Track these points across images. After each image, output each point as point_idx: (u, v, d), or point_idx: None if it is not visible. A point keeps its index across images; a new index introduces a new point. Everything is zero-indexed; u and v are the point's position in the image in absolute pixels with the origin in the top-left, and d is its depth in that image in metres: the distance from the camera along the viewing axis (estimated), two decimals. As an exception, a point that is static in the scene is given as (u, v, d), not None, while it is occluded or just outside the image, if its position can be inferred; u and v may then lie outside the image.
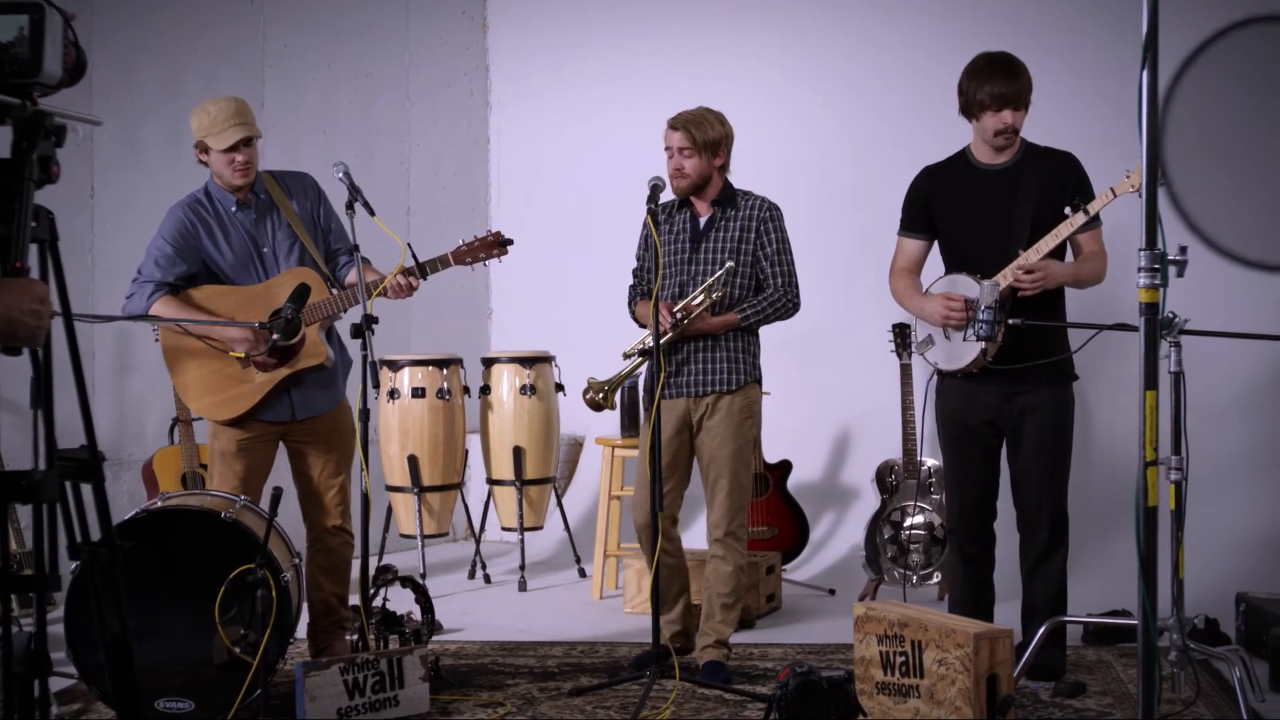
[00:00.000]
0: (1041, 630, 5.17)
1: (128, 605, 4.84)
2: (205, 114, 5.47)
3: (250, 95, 8.14)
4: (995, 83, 5.37)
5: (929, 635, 4.66)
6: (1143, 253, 3.23)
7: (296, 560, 5.42)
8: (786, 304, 5.75)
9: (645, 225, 5.82)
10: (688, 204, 5.79)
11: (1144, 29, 3.15)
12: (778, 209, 5.76)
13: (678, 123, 5.70)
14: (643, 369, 5.87)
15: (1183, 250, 3.58)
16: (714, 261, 5.67)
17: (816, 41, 8.61)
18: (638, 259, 5.96)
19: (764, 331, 7.52)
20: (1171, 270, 3.35)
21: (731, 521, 5.65)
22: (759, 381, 5.80)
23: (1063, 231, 5.25)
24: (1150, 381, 3.25)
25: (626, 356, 5.81)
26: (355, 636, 5.39)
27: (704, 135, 5.65)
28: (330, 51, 8.81)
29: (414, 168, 9.31)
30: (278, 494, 4.93)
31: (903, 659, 4.73)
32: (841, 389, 8.30)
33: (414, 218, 9.17)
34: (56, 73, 2.85)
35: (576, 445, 8.92)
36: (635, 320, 5.91)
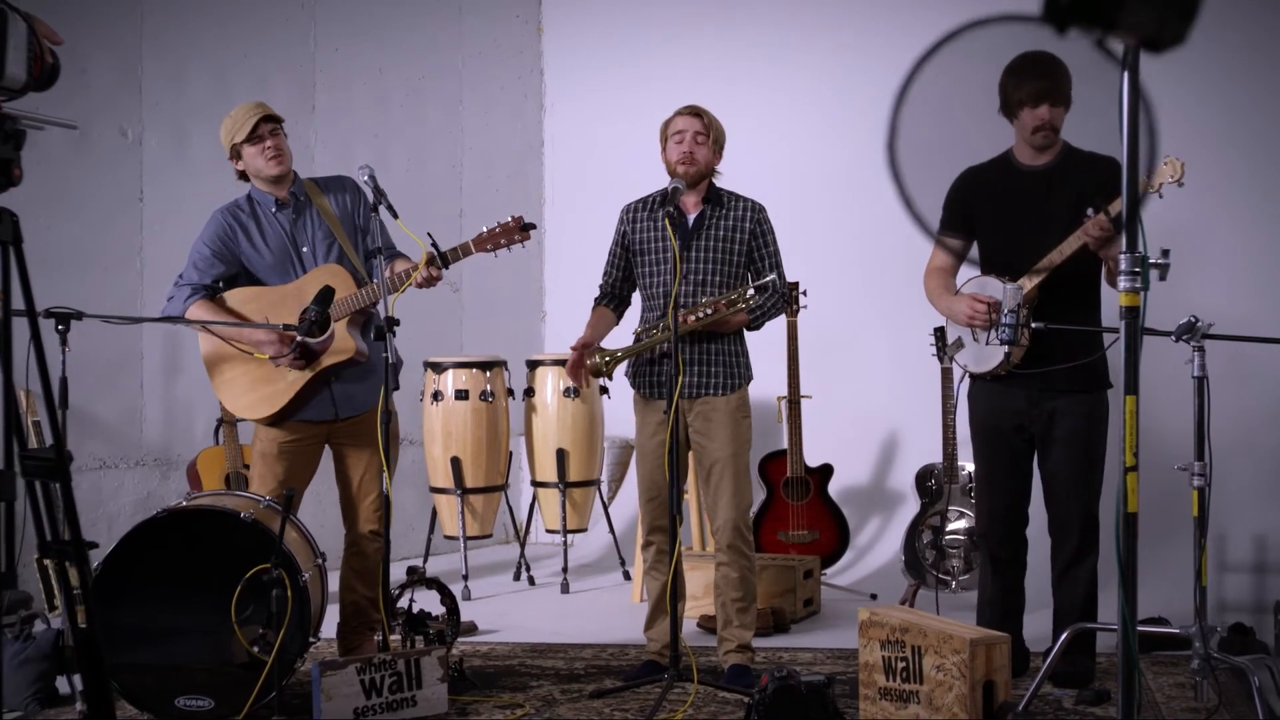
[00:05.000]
0: (1063, 637, 5.11)
1: (150, 604, 4.99)
2: (228, 119, 5.62)
3: (301, 99, 8.26)
4: (1033, 78, 5.28)
5: (928, 641, 4.62)
6: (1123, 256, 3.18)
7: (320, 561, 5.45)
8: (783, 303, 5.80)
9: (623, 226, 5.83)
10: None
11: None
12: (765, 209, 5.73)
13: (697, 109, 5.69)
14: (638, 358, 5.76)
15: (1165, 253, 3.53)
16: (705, 260, 5.61)
17: (864, 48, 8.54)
18: (610, 255, 5.93)
19: (807, 336, 7.54)
20: (1153, 274, 3.30)
21: (738, 524, 5.59)
22: (749, 382, 5.74)
23: (1081, 234, 5.16)
24: (1130, 386, 3.19)
25: (638, 337, 5.74)
26: (381, 637, 5.43)
27: (716, 129, 5.67)
28: (382, 55, 8.87)
29: (467, 171, 9.36)
30: (290, 495, 4.97)
31: (904, 664, 4.69)
32: (888, 393, 8.25)
33: (466, 221, 9.21)
34: (20, 76, 2.89)
35: (628, 448, 8.90)
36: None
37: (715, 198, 5.71)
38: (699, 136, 5.62)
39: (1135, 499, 3.22)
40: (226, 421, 7.21)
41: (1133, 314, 3.21)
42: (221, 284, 5.62)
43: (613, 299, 5.90)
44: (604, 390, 7.97)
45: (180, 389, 7.73)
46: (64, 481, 2.98)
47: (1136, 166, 3.18)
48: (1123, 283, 3.20)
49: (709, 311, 5.50)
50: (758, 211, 5.71)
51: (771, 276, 5.62)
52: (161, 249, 7.55)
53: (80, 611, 2.97)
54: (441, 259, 5.51)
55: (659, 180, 5.72)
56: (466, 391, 7.73)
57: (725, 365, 5.64)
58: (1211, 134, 7.32)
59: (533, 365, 8.05)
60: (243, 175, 5.71)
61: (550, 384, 7.93)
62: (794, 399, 7.49)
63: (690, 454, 5.86)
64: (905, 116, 1.85)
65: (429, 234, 5.48)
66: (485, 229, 5.63)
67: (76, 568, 2.96)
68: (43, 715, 5.20)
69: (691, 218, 5.71)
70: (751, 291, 5.55)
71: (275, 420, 5.62)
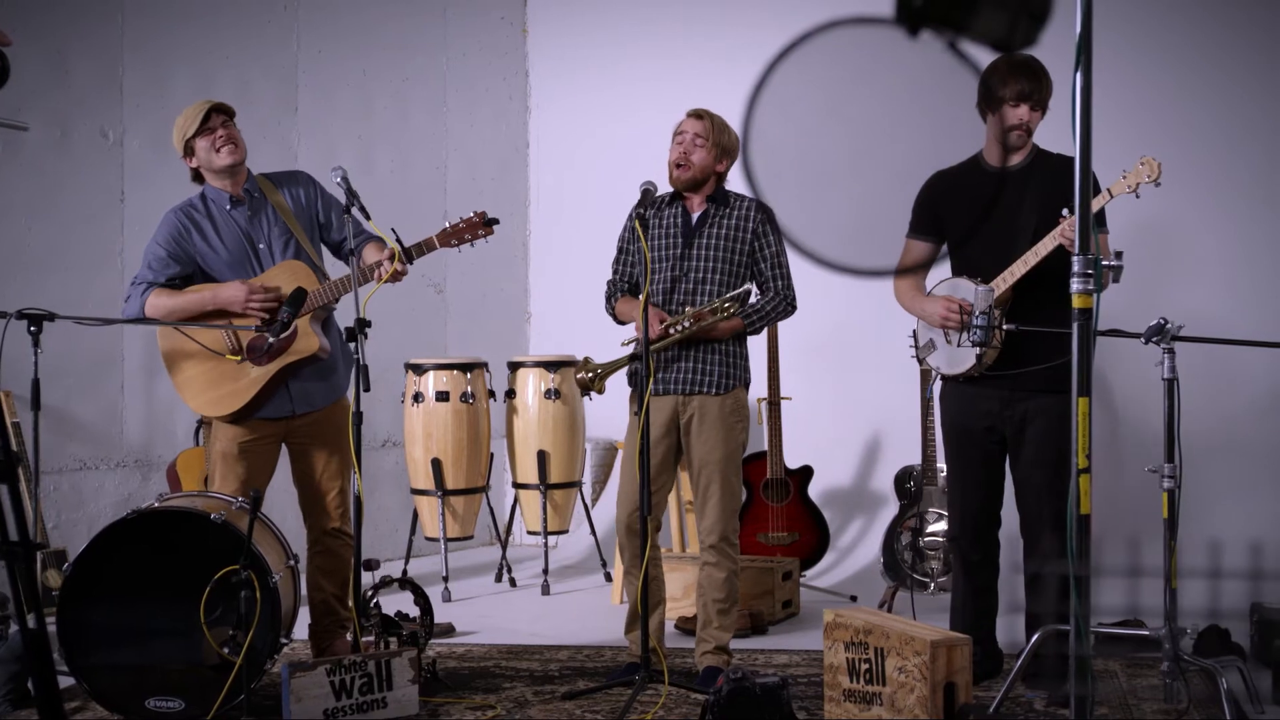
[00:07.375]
0: (1034, 638, 5.10)
1: (121, 605, 4.98)
2: (179, 118, 5.63)
3: (284, 101, 8.26)
4: (1021, 78, 5.31)
5: (891, 643, 4.62)
6: (1075, 258, 3.18)
7: (292, 562, 5.44)
8: (787, 307, 5.68)
9: (630, 222, 5.79)
10: (679, 198, 5.71)
11: (1078, 29, 3.11)
12: (771, 211, 5.67)
13: (700, 112, 5.64)
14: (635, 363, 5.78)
15: (1118, 255, 3.52)
16: (706, 259, 5.58)
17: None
18: (619, 250, 5.90)
19: (789, 336, 7.54)
20: (1109, 275, 3.30)
21: (725, 527, 5.57)
22: (747, 385, 5.71)
23: (1058, 234, 5.16)
24: (1083, 388, 3.20)
25: (625, 345, 5.75)
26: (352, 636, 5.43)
27: (720, 132, 5.60)
28: (366, 57, 8.86)
29: (451, 173, 9.35)
30: (258, 496, 4.97)
31: (867, 666, 4.70)
32: (870, 394, 8.24)
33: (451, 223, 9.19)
34: (-38, 79, 2.88)
35: (611, 450, 8.92)
36: (615, 318, 5.87)
37: (721, 197, 5.67)
38: (698, 139, 5.60)
39: (1088, 501, 3.22)
40: (207, 423, 7.19)
41: (1085, 315, 3.21)
42: (178, 283, 5.60)
43: (631, 292, 5.88)
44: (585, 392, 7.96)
45: (161, 390, 7.71)
46: (11, 483, 2.97)
47: (1089, 168, 3.19)
48: (1075, 284, 3.20)
49: (688, 324, 5.49)
50: (762, 212, 5.66)
51: (746, 287, 5.60)
52: (142, 250, 7.53)
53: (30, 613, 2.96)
54: (405, 254, 5.49)
55: (643, 180, 5.70)
56: (447, 393, 7.73)
57: (720, 364, 5.60)
58: (1204, 135, 7.33)
59: (514, 367, 8.05)
60: (197, 176, 5.68)
61: (531, 385, 7.92)
62: (774, 400, 7.49)
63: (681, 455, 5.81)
64: (757, 120, 1.85)
65: (393, 229, 5.47)
66: (449, 224, 5.65)
67: (24, 569, 2.95)
68: (15, 716, 5.20)
69: (695, 216, 5.68)
70: (728, 303, 5.53)
71: (236, 418, 5.60)
